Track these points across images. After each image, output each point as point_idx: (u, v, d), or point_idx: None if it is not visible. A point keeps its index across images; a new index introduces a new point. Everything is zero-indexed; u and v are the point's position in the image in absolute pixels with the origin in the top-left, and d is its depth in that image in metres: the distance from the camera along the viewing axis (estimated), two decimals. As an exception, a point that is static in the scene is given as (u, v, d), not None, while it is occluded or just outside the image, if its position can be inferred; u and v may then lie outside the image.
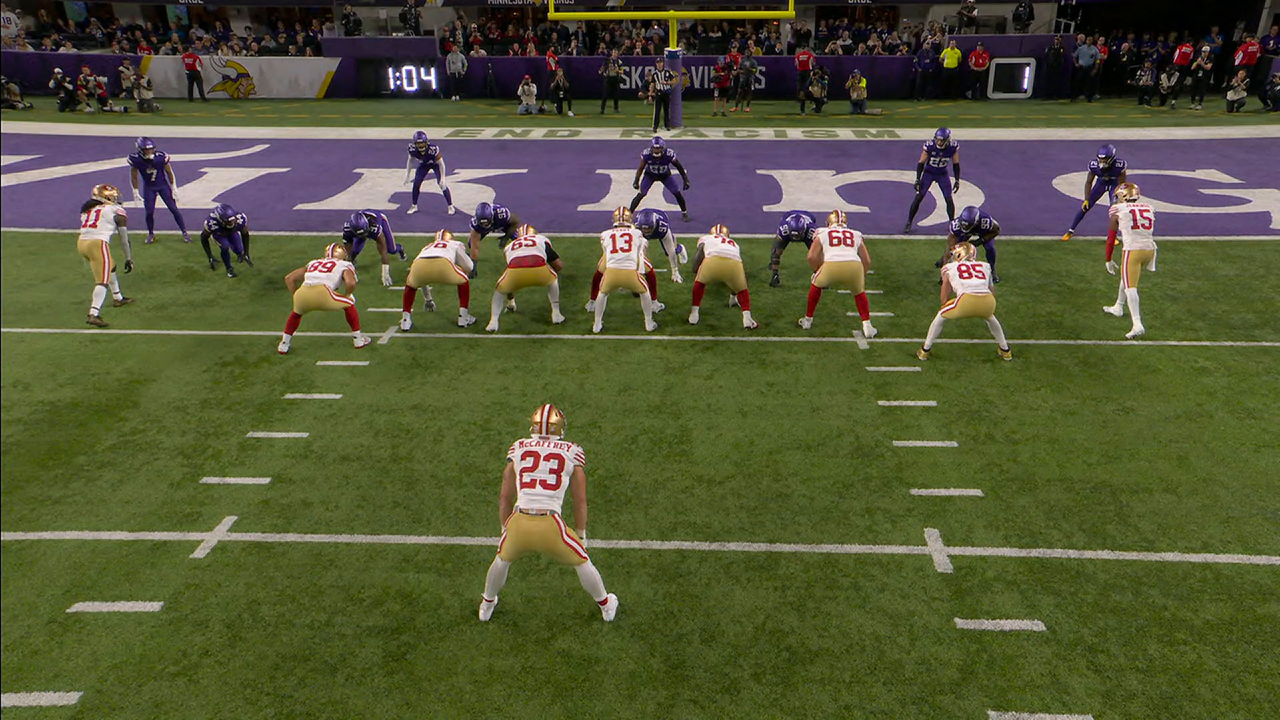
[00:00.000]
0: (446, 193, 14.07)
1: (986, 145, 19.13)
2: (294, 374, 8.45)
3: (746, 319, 9.35)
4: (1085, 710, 4.54)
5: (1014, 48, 26.13)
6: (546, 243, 9.44)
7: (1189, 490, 6.39)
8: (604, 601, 5.27)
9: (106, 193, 10.26)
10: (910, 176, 14.24)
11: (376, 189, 15.73)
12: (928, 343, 8.55)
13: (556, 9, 22.09)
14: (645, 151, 12.83)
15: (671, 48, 22.06)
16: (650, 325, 9.41)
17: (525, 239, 9.40)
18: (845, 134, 20.67)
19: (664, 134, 21.12)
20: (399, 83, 26.93)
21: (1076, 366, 8.39)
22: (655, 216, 10.12)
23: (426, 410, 7.75)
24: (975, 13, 27.35)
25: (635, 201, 13.28)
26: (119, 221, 10.12)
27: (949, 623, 5.14)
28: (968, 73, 25.60)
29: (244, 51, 27.63)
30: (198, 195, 15.23)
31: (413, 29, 28.27)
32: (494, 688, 4.75)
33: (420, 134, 13.69)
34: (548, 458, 5.03)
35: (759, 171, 16.81)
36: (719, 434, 7.28)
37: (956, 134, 20.38)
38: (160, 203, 12.62)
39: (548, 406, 5.25)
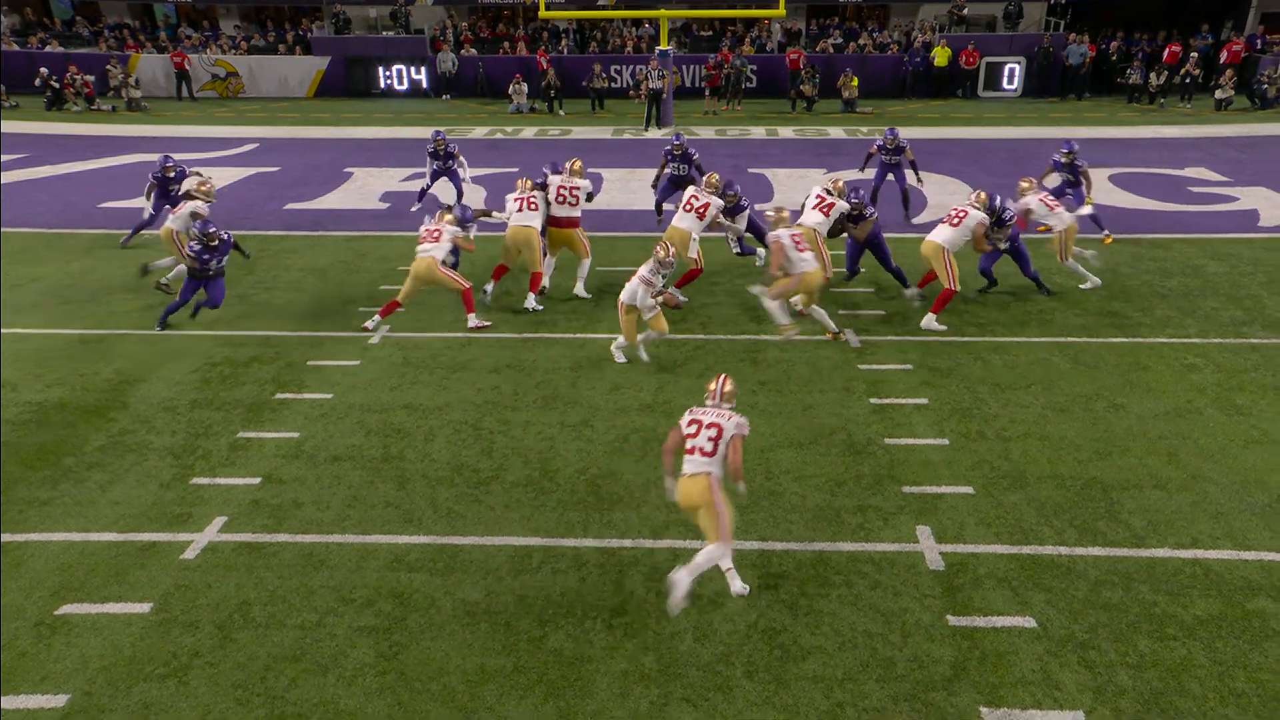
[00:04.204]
0: (459, 193, 13.64)
1: (977, 144, 19.21)
2: (284, 374, 8.42)
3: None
4: (1076, 706, 4.56)
5: (1004, 46, 26.23)
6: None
7: (1179, 486, 6.42)
8: (728, 571, 5.44)
9: (204, 188, 10.78)
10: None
11: (367, 188, 15.70)
12: (783, 321, 8.94)
13: (547, 8, 22.07)
14: (666, 148, 12.46)
15: (663, 46, 22.08)
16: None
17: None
18: (836, 132, 20.72)
19: (655, 132, 21.13)
20: (389, 82, 26.88)
21: (1067, 364, 8.43)
22: (737, 187, 10.26)
23: (418, 410, 7.74)
24: (965, 11, 27.44)
25: (658, 206, 12.85)
26: (194, 215, 10.41)
27: (941, 619, 5.15)
28: (958, 71, 25.68)
29: (233, 50, 27.52)
30: (187, 195, 15.14)
31: (403, 28, 28.20)
32: (486, 687, 4.75)
33: (438, 133, 13.37)
34: (709, 426, 5.34)
35: (750, 170, 16.83)
36: (711, 432, 7.28)
37: (948, 132, 20.45)
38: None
39: (723, 377, 5.53)
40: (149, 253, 11.84)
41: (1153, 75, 24.18)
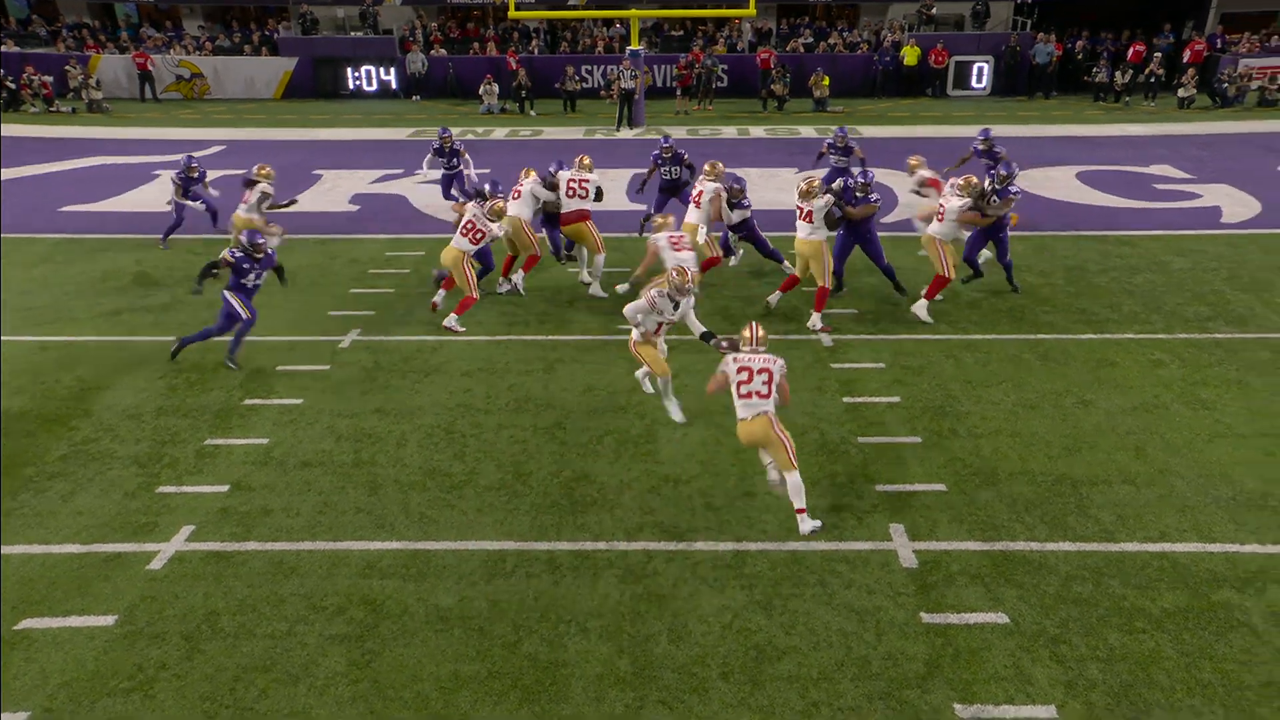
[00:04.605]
0: (467, 192, 13.16)
1: (948, 142, 19.33)
2: (253, 379, 8.31)
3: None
4: (1048, 701, 4.61)
5: (972, 45, 26.49)
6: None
7: (1146, 481, 6.51)
8: (801, 511, 5.98)
9: (263, 171, 11.30)
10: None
11: (337, 190, 15.55)
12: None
13: (517, 8, 21.99)
14: (654, 152, 12.01)
15: (633, 46, 22.06)
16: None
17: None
18: (808, 132, 20.82)
19: (627, 133, 21.12)
20: (358, 83, 26.63)
21: (1037, 360, 8.52)
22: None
23: (389, 414, 7.67)
24: (934, 11, 27.68)
25: (647, 217, 12.03)
26: (264, 196, 11.13)
27: (914, 617, 5.19)
28: (928, 70, 25.90)
29: (198, 51, 27.14)
30: (150, 198, 14.95)
31: (371, 28, 27.96)
32: (460, 694, 4.71)
33: (445, 130, 13.10)
34: (760, 371, 5.99)
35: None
36: (684, 433, 7.29)
37: (918, 131, 20.60)
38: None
39: (754, 324, 6.16)
40: (124, 251, 11.67)
41: (1118, 74, 24.53)
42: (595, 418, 7.58)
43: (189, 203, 12.38)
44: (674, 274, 7.13)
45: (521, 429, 7.41)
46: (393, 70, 26.51)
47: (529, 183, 10.30)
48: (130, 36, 28.08)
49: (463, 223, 9.37)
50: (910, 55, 25.69)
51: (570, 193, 10.29)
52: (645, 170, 12.59)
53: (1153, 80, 24.25)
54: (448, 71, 26.32)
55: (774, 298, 9.78)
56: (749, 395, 5.96)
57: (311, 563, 5.73)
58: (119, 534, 6.02)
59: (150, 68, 25.78)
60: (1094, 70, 25.08)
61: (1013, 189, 9.59)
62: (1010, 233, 10.08)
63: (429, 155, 13.41)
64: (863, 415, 7.52)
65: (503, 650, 5.01)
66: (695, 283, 7.32)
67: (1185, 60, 24.84)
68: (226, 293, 8.41)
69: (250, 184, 11.24)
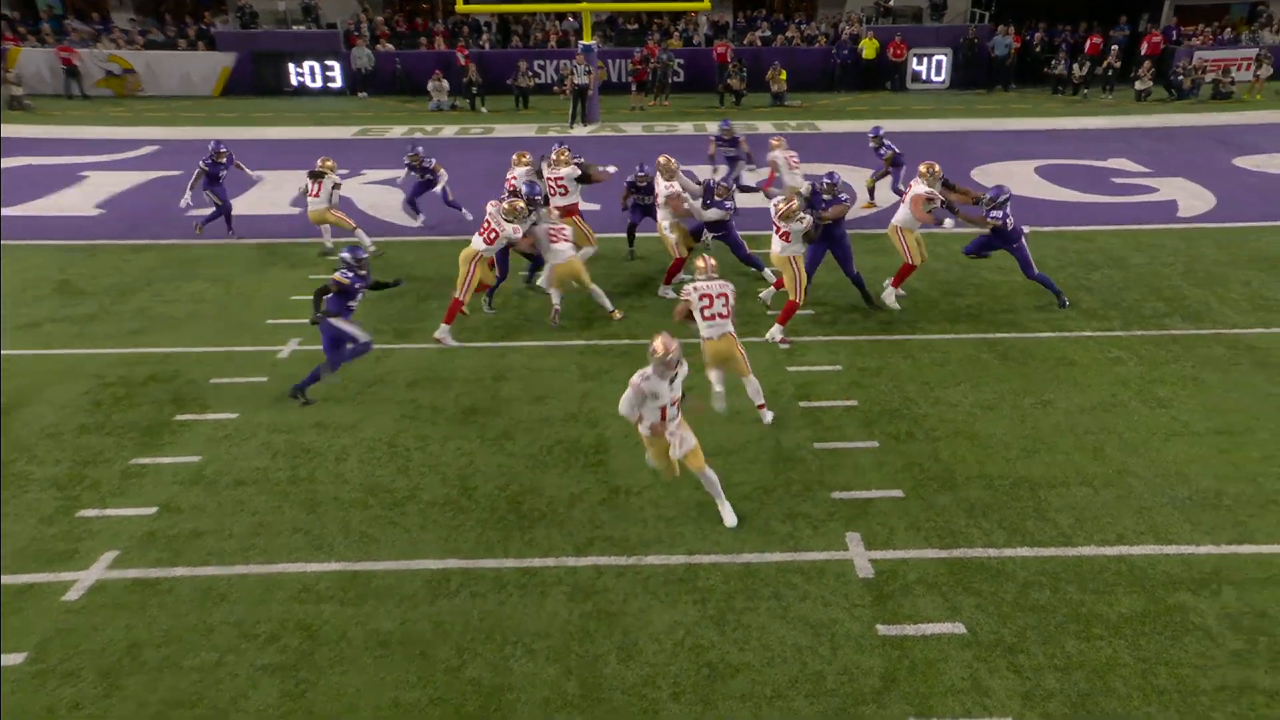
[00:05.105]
0: (454, 203, 13.18)
1: (907, 137, 19.50)
2: (185, 393, 8.10)
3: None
4: (1005, 713, 4.62)
5: (931, 38, 26.78)
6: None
7: (1104, 482, 6.59)
8: (762, 406, 7.41)
9: (327, 163, 11.69)
10: (828, 169, 14.48)
11: (280, 191, 15.25)
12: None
13: (466, 1, 21.77)
14: (629, 179, 11.19)
15: (586, 40, 21.96)
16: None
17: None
18: (765, 127, 20.88)
19: (580, 129, 21.02)
20: (301, 79, 26.19)
21: (995, 360, 8.60)
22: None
23: (329, 428, 7.52)
24: (891, 3, 27.95)
25: (630, 232, 11.62)
26: (335, 187, 11.60)
27: (870, 630, 5.18)
28: (886, 64, 26.13)
29: (128, 45, 26.50)
30: (77, 200, 14.55)
31: (314, 22, 27.54)
32: (399, 724, 4.61)
33: (415, 146, 13.11)
34: (718, 296, 7.13)
35: (680, 167, 16.78)
36: (636, 441, 7.20)
37: (878, 124, 20.73)
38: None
39: (705, 255, 7.36)
40: (48, 257, 11.31)
41: (1076, 66, 24.96)
42: (545, 428, 7.50)
43: (209, 193, 12.29)
44: (655, 348, 5.73)
45: (468, 441, 7.31)
46: (337, 66, 26.13)
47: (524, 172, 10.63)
48: (54, 29, 27.30)
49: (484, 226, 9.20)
50: (869, 48, 25.90)
51: (551, 192, 10.29)
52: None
53: (1110, 73, 24.72)
54: (395, 67, 26.01)
55: (768, 294, 9.89)
56: (713, 317, 7.14)
57: (244, 588, 5.58)
58: (34, 563, 5.80)
59: (76, 63, 25.11)
60: (1052, 62, 25.50)
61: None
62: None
63: (405, 170, 13.16)
64: (819, 420, 7.53)
65: (445, 675, 4.91)
66: (677, 353, 5.77)
67: (1142, 53, 25.36)
68: (331, 320, 7.74)
69: (317, 177, 11.52)
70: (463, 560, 5.85)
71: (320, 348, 7.97)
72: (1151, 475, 6.67)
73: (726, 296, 7.14)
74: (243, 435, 7.40)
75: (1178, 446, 7.06)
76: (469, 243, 9.27)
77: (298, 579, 5.67)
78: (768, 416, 7.40)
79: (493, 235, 9.10)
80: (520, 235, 9.21)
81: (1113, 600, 5.38)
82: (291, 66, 26.12)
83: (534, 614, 5.35)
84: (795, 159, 12.44)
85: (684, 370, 5.92)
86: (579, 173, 10.49)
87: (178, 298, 10.49)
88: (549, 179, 10.35)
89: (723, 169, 13.97)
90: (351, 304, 7.90)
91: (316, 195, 11.51)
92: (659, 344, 5.73)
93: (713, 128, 20.90)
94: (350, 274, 7.84)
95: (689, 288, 7.19)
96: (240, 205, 14.36)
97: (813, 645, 5.08)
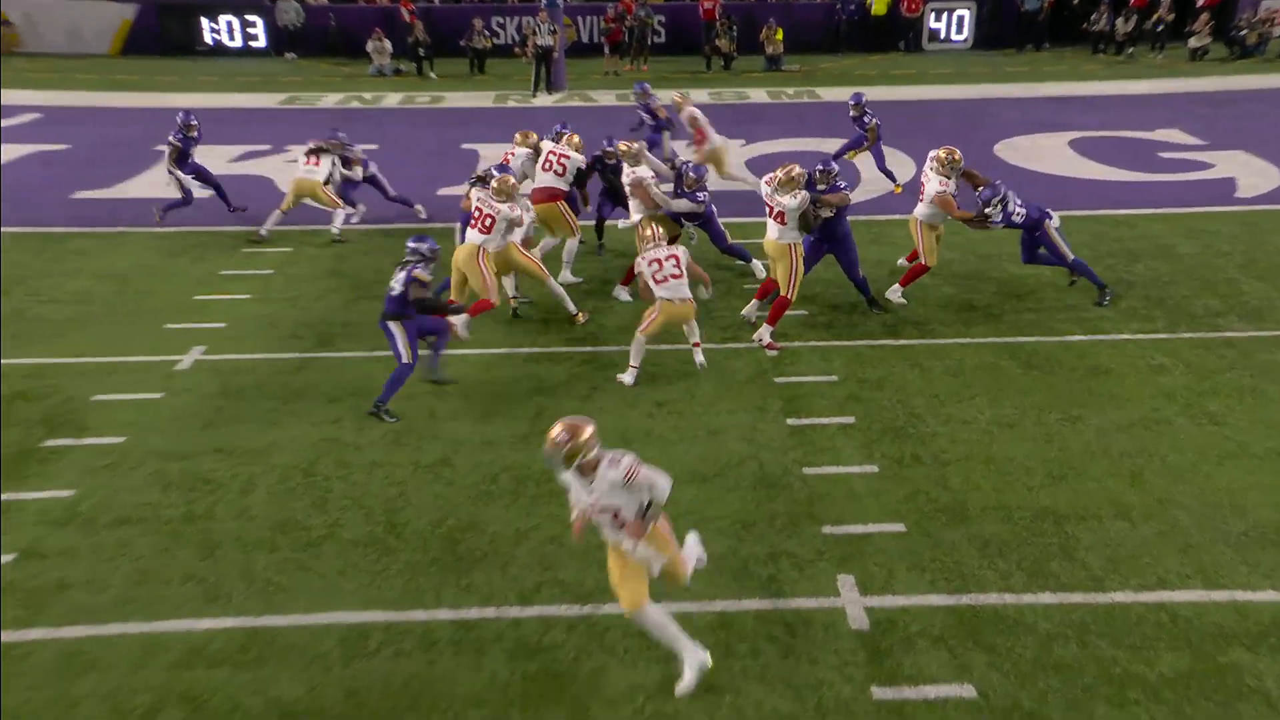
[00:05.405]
0: (399, 197, 12.94)
1: (921, 106, 19.61)
2: (59, 413, 7.98)
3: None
4: (1021, 794, 4.53)
5: (951, -10, 26.91)
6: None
7: (1143, 515, 6.53)
8: (697, 345, 8.55)
9: (332, 142, 12.40)
10: (832, 145, 14.48)
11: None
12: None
13: (410, -53, 21.72)
14: (595, 153, 11.25)
15: (551, -7, 21.93)
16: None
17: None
18: (758, 95, 20.92)
19: (545, 99, 20.95)
20: (217, 37, 26.12)
21: (1017, 369, 8.56)
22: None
23: (234, 454, 7.43)
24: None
25: (599, 227, 11.76)
26: (335, 164, 12.24)
27: (864, 693, 5.09)
28: (899, 20, 26.19)
29: (6, -6, 26.22)
30: (-54, 183, 14.34)
31: (234, -30, 27.40)
32: (298, 816, 4.48)
33: (335, 131, 12.95)
34: (668, 258, 8.20)
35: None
36: (596, 469, 7.13)
37: (888, 93, 20.79)
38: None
39: (651, 223, 8.76)
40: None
41: (1120, 21, 25.07)
42: (490, 451, 7.42)
43: (180, 175, 12.41)
44: (552, 438, 4.95)
45: (398, 468, 7.23)
46: (260, 22, 26.01)
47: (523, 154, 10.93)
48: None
49: (472, 212, 9.23)
50: (879, 3, 25.97)
51: (547, 165, 10.59)
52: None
53: (1160, 28, 24.82)
54: (329, 24, 25.92)
55: (750, 309, 9.57)
56: (666, 279, 8.14)
57: (118, 651, 5.45)
58: None
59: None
60: (1093, 17, 25.64)
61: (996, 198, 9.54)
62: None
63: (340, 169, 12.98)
64: (810, 440, 7.47)
65: (357, 755, 4.80)
66: (637, 475, 4.85)
67: (1198, 4, 25.44)
68: (390, 323, 7.95)
69: (320, 152, 12.18)
70: (386, 612, 5.76)
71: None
72: (1200, 506, 6.62)
73: (677, 258, 8.19)
74: (128, 464, 7.28)
75: (1231, 471, 7.01)
76: (460, 241, 9.33)
77: (184, 639, 5.55)
78: (699, 357, 8.48)
79: (488, 222, 9.08)
80: (518, 213, 9.30)
81: (1152, 658, 5.30)
82: (205, 21, 26.03)
83: (468, 677, 5.26)
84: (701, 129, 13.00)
85: (615, 476, 4.82)
86: (583, 166, 10.74)
87: (58, 297, 10.38)
88: (552, 152, 10.59)
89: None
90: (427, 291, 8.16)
91: (316, 165, 12.03)
92: (614, 470, 4.83)
93: (700, 95, 20.91)
94: (426, 268, 8.03)
95: (639, 259, 8.31)
96: (139, 188, 14.25)
97: (795, 713, 4.98)
